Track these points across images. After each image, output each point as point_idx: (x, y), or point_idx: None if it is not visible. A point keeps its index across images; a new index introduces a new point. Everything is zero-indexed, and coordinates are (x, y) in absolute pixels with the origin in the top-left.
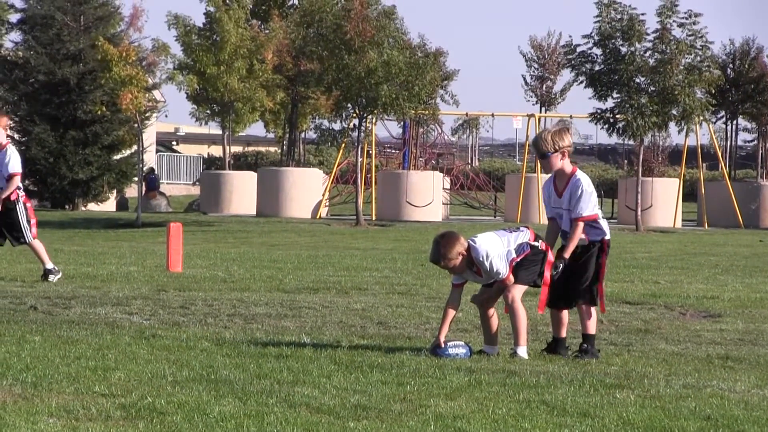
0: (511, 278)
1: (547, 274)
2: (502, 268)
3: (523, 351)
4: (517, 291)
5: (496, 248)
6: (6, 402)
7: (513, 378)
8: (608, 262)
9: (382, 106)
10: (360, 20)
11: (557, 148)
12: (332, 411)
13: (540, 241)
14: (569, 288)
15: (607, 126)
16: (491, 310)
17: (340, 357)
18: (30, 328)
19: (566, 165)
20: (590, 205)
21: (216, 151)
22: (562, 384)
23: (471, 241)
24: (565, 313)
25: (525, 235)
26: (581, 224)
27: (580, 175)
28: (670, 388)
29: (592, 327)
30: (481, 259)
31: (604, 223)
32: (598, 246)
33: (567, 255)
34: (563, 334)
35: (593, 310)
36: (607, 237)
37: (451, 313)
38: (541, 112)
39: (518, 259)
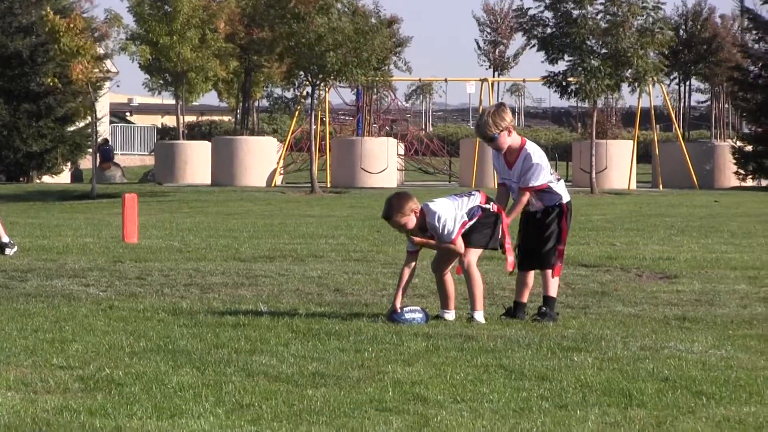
0: (459, 242)
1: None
2: (454, 232)
3: (479, 315)
4: (473, 255)
5: (449, 211)
6: None
7: (470, 343)
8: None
9: (332, 73)
10: None
11: (501, 128)
12: (290, 379)
13: (491, 203)
14: (534, 253)
15: (560, 89)
16: (446, 275)
17: (297, 325)
18: None
19: (514, 140)
20: (539, 176)
21: (170, 121)
22: (520, 348)
23: (425, 205)
24: (530, 277)
25: (476, 199)
26: (527, 193)
27: (530, 147)
28: (627, 350)
29: (553, 289)
30: (434, 222)
31: (560, 187)
32: (557, 210)
33: (508, 220)
34: (524, 299)
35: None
36: (566, 200)
37: (406, 277)
38: (494, 76)
39: (470, 223)
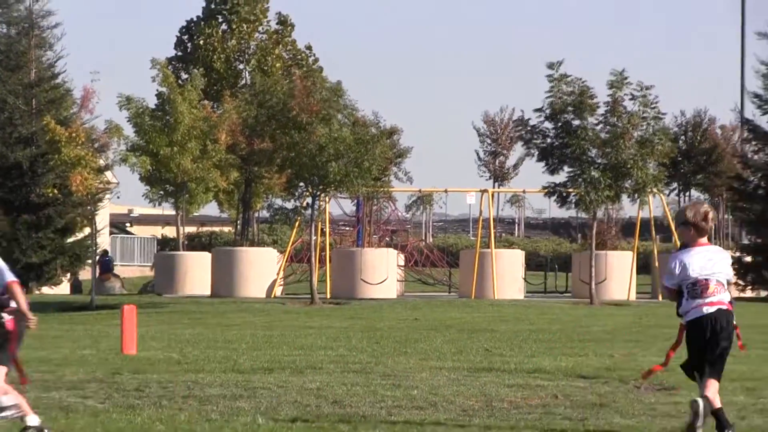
0: None
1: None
2: None
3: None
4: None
5: None
6: None
7: None
8: (563, 337)
9: (333, 183)
10: (304, 96)
11: None
12: None
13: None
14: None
15: (560, 200)
16: None
17: None
18: None
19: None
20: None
21: (170, 231)
22: None
23: None
24: None
25: None
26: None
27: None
28: None
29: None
30: None
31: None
32: None
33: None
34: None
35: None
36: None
37: None
38: (494, 187)
39: None
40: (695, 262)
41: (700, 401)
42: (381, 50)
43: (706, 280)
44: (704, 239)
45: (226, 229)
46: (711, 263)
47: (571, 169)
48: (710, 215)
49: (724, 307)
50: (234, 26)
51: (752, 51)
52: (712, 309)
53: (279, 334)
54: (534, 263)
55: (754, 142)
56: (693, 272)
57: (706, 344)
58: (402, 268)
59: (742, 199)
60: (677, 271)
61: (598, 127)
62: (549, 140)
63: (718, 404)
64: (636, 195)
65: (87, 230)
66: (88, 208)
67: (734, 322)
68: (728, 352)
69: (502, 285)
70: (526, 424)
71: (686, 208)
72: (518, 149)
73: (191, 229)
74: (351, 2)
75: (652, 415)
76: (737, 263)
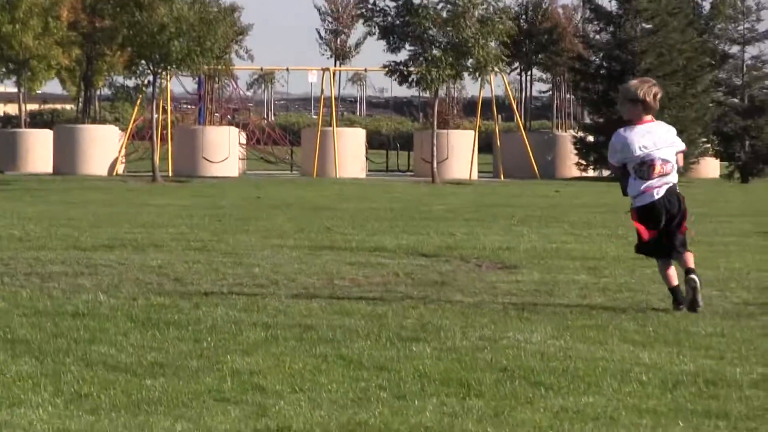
0: None
1: None
2: None
3: None
4: None
5: None
6: None
7: (309, 333)
8: (405, 215)
9: (175, 61)
10: None
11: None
12: (129, 369)
13: None
14: None
15: (401, 79)
16: None
17: (136, 314)
18: None
19: None
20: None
21: (12, 109)
22: (359, 338)
23: None
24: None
25: None
26: None
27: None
28: (466, 340)
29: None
30: None
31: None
32: None
33: None
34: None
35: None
36: None
37: None
38: (336, 65)
39: None
40: (639, 140)
41: (695, 276)
42: None
43: (652, 159)
44: (649, 117)
45: (68, 106)
46: (655, 139)
47: (412, 48)
48: (659, 95)
49: (671, 184)
50: None
51: None
52: (662, 192)
53: (121, 211)
54: (376, 142)
55: (596, 22)
56: (637, 151)
57: (665, 227)
58: (244, 147)
59: (584, 79)
60: (619, 148)
61: (439, 6)
62: (390, 19)
63: (675, 282)
64: (477, 74)
65: None
66: None
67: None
68: (682, 221)
69: (344, 164)
70: (368, 302)
71: (635, 86)
72: (360, 28)
73: (33, 107)
74: None
75: (493, 294)
76: (580, 143)
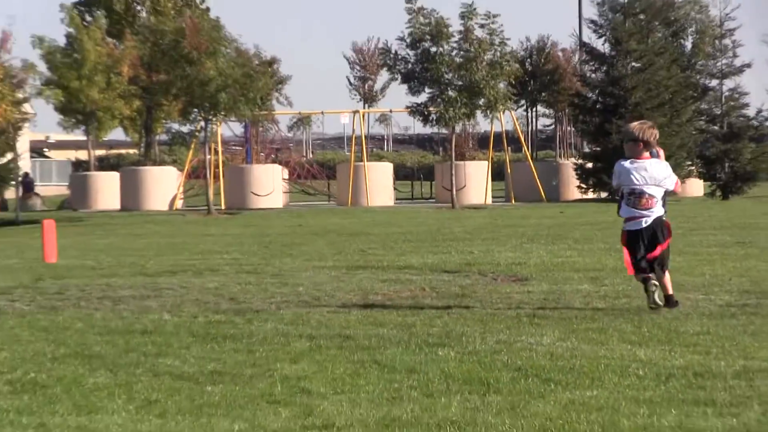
0: None
1: None
2: None
3: None
4: None
5: None
6: None
7: (348, 342)
8: (429, 237)
9: (223, 110)
10: (194, 35)
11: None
12: (192, 377)
13: None
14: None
15: (422, 118)
16: None
17: (197, 330)
18: None
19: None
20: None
21: (82, 155)
22: (391, 345)
23: None
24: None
25: None
26: None
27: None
28: (485, 344)
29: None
30: None
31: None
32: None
33: None
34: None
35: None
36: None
37: None
38: (364, 107)
39: None
40: (635, 173)
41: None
42: None
43: (641, 192)
44: (647, 153)
45: (131, 151)
46: (648, 176)
47: (430, 91)
48: (657, 135)
49: (655, 216)
50: None
51: None
52: (649, 221)
53: (180, 241)
54: (402, 174)
55: (591, 63)
56: (631, 181)
57: (645, 251)
58: (286, 181)
59: (582, 113)
60: (618, 174)
61: (453, 53)
62: (410, 65)
63: (669, 288)
64: (489, 111)
65: (9, 155)
66: (9, 135)
67: (666, 220)
68: (660, 244)
69: (374, 194)
70: (398, 313)
71: (636, 128)
72: (384, 74)
73: (101, 152)
74: None
75: (508, 303)
76: (580, 169)
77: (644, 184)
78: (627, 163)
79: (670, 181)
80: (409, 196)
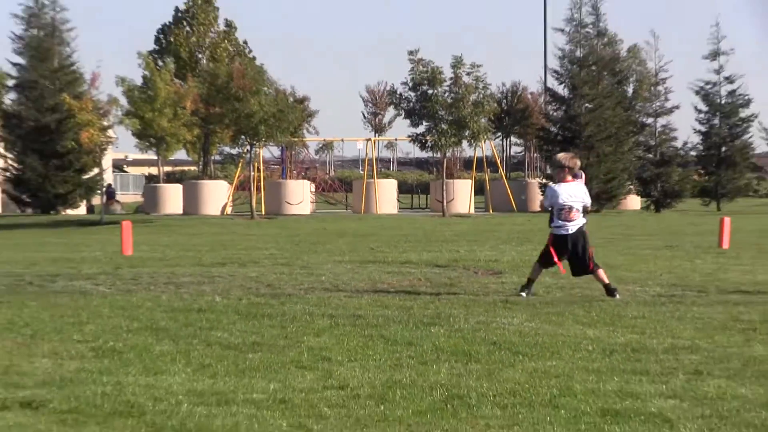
0: None
1: None
2: None
3: None
4: None
5: None
6: (13, 348)
7: (360, 320)
8: (424, 239)
9: (263, 138)
10: (240, 79)
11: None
12: (237, 347)
13: None
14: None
15: (420, 145)
16: None
17: (241, 310)
18: (28, 296)
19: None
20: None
21: (154, 170)
22: (394, 323)
23: None
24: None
25: None
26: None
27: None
28: (467, 323)
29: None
30: None
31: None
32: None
33: None
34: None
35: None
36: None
37: None
38: (375, 136)
39: None
40: (564, 193)
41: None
42: (302, 38)
43: (570, 207)
44: (570, 177)
45: (192, 168)
46: (573, 195)
47: (427, 123)
48: (578, 163)
49: (579, 225)
50: (194, 28)
51: (552, 40)
52: (573, 229)
53: (229, 239)
54: (404, 189)
55: (553, 104)
56: (561, 200)
57: (571, 252)
58: (313, 194)
59: (546, 143)
60: (550, 197)
61: (445, 94)
62: (412, 104)
63: (606, 280)
64: (472, 141)
65: (96, 170)
66: (96, 155)
67: (585, 231)
68: (587, 250)
69: (382, 204)
70: (400, 298)
71: (562, 157)
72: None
73: (168, 168)
74: (278, 6)
75: (486, 291)
76: (543, 187)
77: (572, 201)
78: (557, 187)
79: (588, 198)
80: (409, 207)
